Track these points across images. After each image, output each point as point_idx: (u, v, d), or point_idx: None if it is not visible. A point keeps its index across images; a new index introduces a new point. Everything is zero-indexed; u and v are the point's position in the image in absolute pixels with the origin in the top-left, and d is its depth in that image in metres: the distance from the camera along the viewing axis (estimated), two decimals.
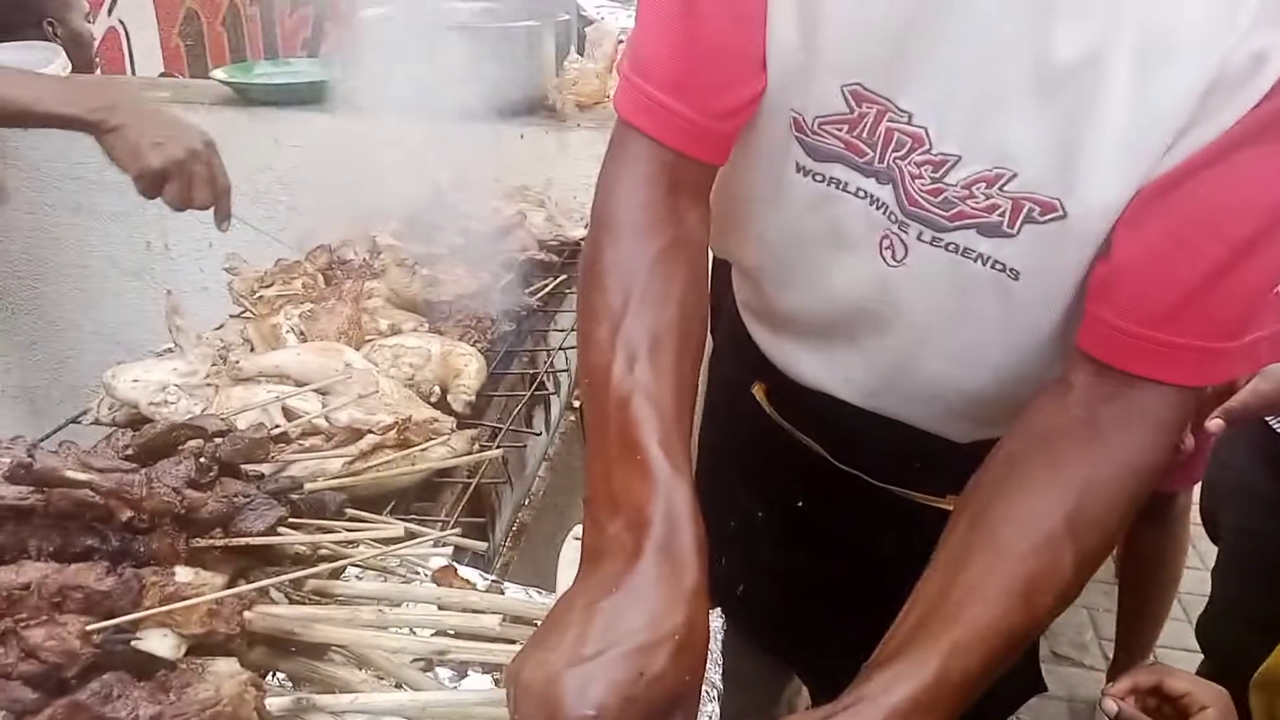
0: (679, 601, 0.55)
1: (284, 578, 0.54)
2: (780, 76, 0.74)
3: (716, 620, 0.70)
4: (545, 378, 1.12)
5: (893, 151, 0.71)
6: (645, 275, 0.71)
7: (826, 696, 0.91)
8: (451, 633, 0.63)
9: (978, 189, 0.68)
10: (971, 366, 0.79)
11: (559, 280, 1.23)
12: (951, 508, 0.72)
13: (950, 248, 0.72)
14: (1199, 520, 1.75)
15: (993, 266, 0.71)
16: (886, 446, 0.89)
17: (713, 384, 1.19)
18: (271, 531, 0.55)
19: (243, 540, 0.54)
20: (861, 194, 0.74)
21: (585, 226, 1.41)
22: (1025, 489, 0.64)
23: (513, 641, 0.63)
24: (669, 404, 0.64)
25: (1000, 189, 0.67)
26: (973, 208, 0.69)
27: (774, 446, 1.02)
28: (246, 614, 0.51)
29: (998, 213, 0.68)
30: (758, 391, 1.00)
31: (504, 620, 0.64)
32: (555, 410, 1.19)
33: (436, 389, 0.94)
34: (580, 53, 1.61)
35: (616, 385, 0.64)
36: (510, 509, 1.03)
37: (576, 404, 1.36)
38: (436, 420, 0.85)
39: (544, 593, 0.71)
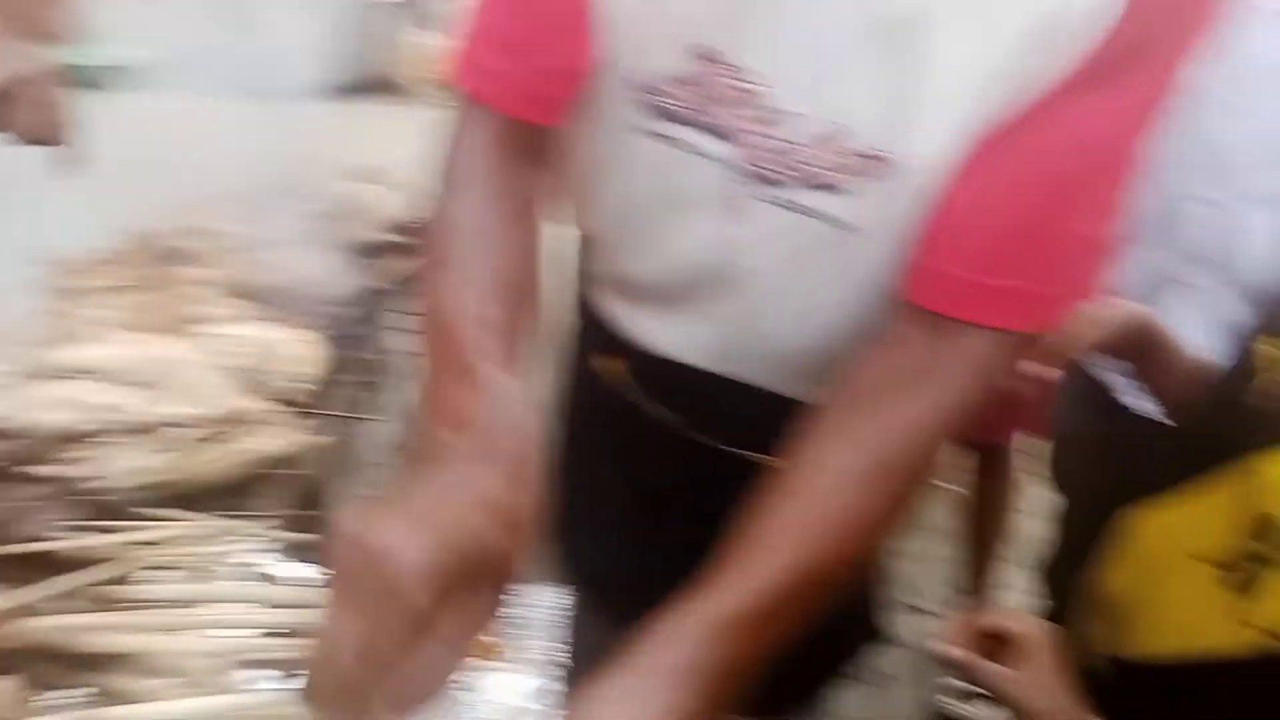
0: (499, 479, 0.54)
1: (60, 587, 0.51)
2: (621, 37, 0.75)
3: (563, 596, 0.70)
4: (392, 361, 1.09)
5: (733, 110, 0.72)
6: (483, 227, 0.72)
7: None
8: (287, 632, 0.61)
9: (816, 146, 0.69)
10: (816, 325, 0.81)
11: (406, 262, 1.20)
12: None
13: (790, 206, 0.73)
14: (1025, 467, 1.85)
15: (832, 223, 0.72)
16: (744, 413, 0.91)
17: (568, 367, 1.18)
18: (59, 535, 0.52)
19: (18, 548, 0.51)
20: (704, 153, 0.75)
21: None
22: (841, 435, 0.66)
23: None
24: (501, 331, 0.64)
25: (838, 145, 0.69)
26: (811, 165, 0.71)
27: (632, 425, 1.02)
28: (16, 626, 0.48)
29: (835, 170, 0.70)
30: (611, 364, 1.00)
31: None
32: (399, 398, 1.17)
33: (273, 378, 0.91)
34: (427, 29, 1.57)
35: (451, 317, 0.64)
36: (356, 498, 1.01)
37: None
38: (267, 411, 0.82)
39: None
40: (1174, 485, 0.81)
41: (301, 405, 0.91)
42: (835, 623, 0.93)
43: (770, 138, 0.71)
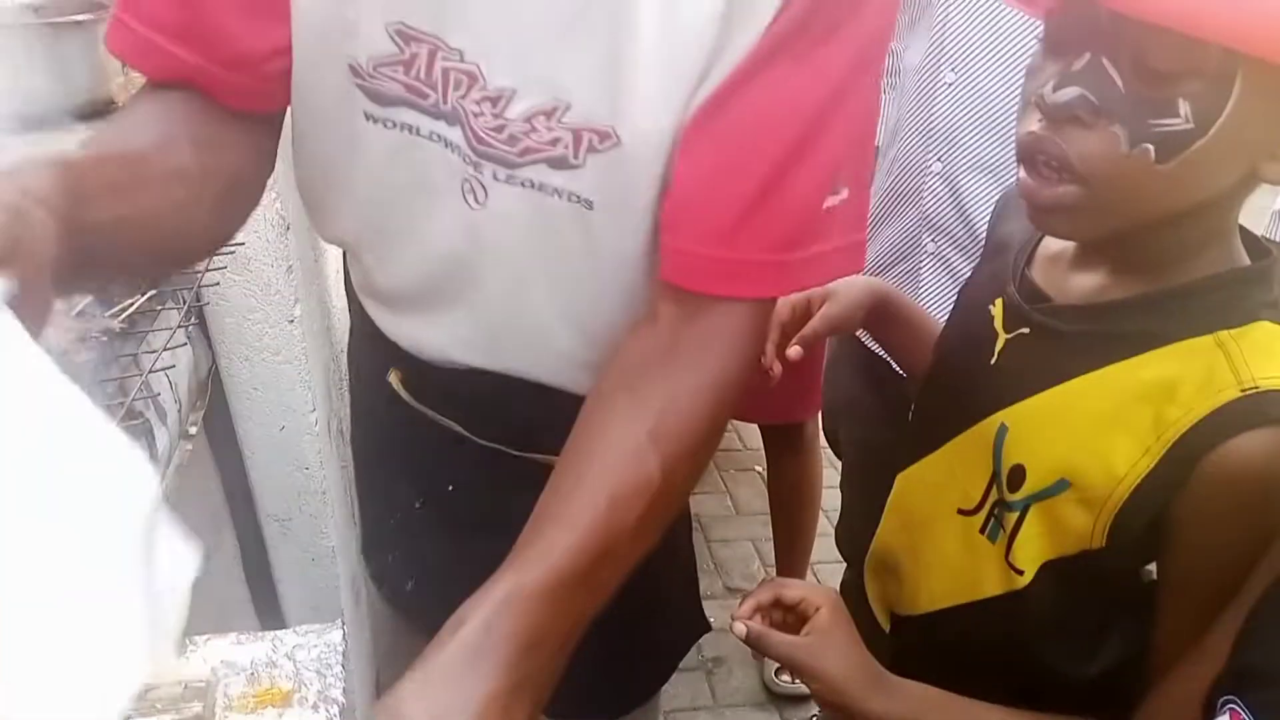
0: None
1: None
2: (324, 21, 0.70)
3: (336, 633, 0.66)
4: (142, 406, 1.00)
5: (453, 91, 0.70)
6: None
7: None
8: None
9: (538, 122, 0.69)
10: (569, 305, 0.80)
11: (147, 296, 1.11)
12: None
13: (525, 184, 0.73)
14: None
15: (568, 199, 0.72)
16: (523, 413, 0.89)
17: (352, 381, 1.13)
18: None
19: None
20: (435, 137, 0.73)
21: None
22: (610, 417, 0.67)
23: None
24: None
25: (559, 120, 0.68)
26: (537, 141, 0.70)
27: (418, 434, 1.00)
28: None
29: (561, 145, 0.69)
30: (394, 379, 0.96)
31: None
32: (162, 441, 1.08)
33: None
34: None
35: None
36: None
37: (193, 430, 1.24)
38: None
39: None
40: (931, 445, 0.87)
41: None
42: (658, 616, 0.95)
43: (497, 117, 0.69)
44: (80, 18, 1.42)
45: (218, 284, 1.29)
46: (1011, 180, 0.75)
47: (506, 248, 0.77)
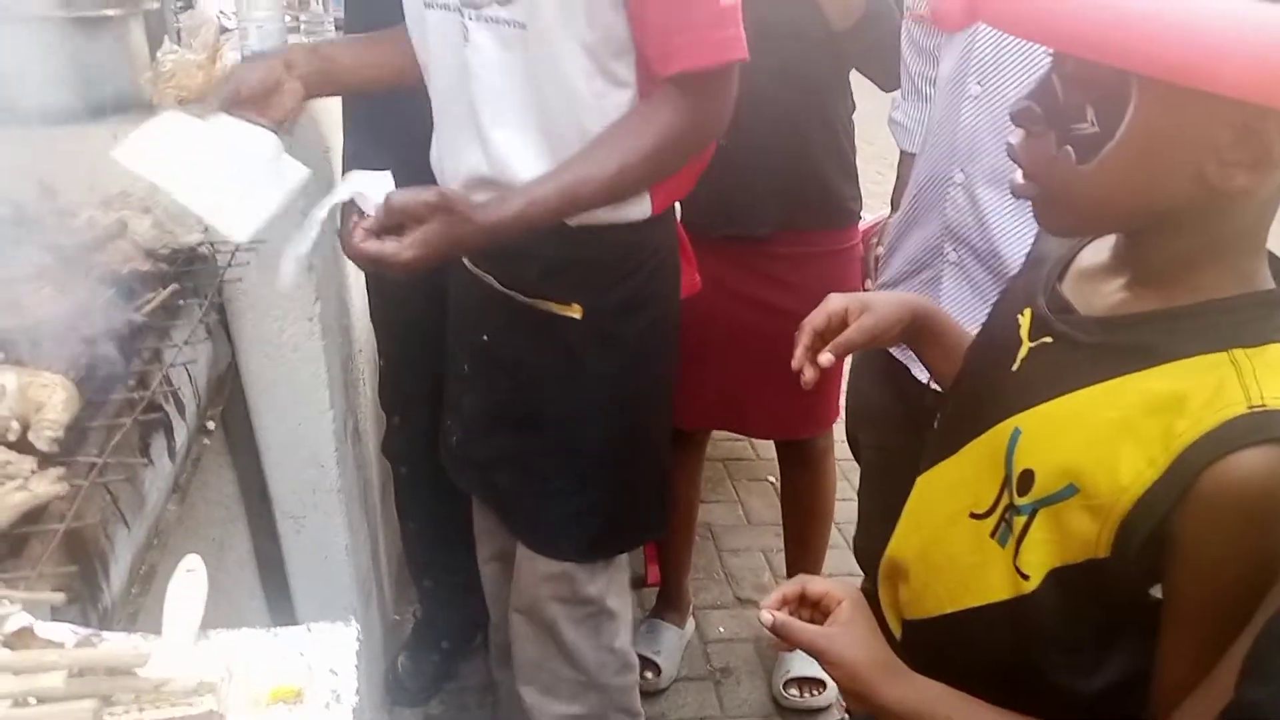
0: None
1: None
2: None
3: (349, 632, 0.66)
4: (161, 399, 1.01)
5: None
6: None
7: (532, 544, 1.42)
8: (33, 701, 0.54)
9: None
10: (532, 124, 1.15)
11: (170, 291, 1.11)
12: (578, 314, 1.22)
13: (487, 20, 1.09)
14: (845, 457, 1.93)
15: (510, 25, 1.09)
16: (531, 262, 1.22)
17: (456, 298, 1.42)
18: None
19: None
20: (446, 5, 1.14)
21: (201, 230, 1.30)
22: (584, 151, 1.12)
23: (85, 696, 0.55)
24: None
25: None
26: None
27: (470, 294, 1.32)
28: None
29: None
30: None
31: (71, 674, 0.56)
32: (180, 435, 1.08)
33: (15, 425, 0.82)
34: (177, 42, 1.46)
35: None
36: (131, 551, 0.92)
37: (210, 424, 1.25)
38: (8, 463, 0.74)
39: (149, 637, 0.64)
40: (951, 449, 0.86)
41: (58, 455, 0.82)
42: (626, 495, 1.40)
43: None
44: (110, 12, 1.44)
45: (240, 280, 1.29)
46: None
47: (485, 76, 1.13)
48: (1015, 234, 1.30)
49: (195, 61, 1.40)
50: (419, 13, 1.18)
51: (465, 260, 1.29)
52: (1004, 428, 0.78)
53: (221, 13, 1.74)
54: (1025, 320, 0.81)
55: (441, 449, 1.52)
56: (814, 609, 0.84)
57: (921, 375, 1.44)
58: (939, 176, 1.38)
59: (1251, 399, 0.64)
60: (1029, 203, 0.74)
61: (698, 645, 2.26)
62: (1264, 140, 0.60)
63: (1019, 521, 0.76)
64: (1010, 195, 0.77)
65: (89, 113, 1.34)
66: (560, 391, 1.29)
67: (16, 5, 1.37)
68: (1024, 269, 0.89)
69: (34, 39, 1.31)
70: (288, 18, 1.72)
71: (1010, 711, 0.76)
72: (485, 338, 1.33)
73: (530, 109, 1.14)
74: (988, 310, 0.93)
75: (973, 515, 0.82)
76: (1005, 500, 0.78)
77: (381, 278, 1.74)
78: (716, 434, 2.44)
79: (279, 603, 1.59)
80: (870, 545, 1.73)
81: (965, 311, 1.34)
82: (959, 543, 0.84)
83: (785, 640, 0.81)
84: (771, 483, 2.84)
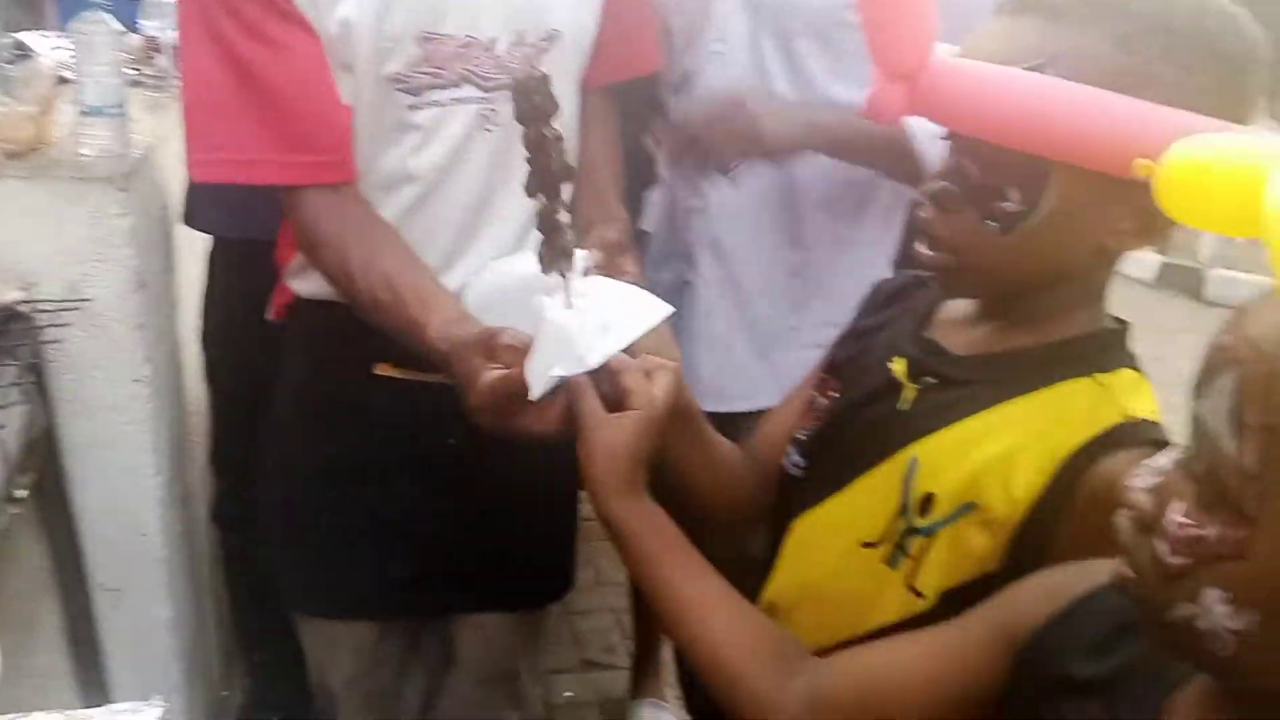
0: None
1: None
2: (362, 68, 1.08)
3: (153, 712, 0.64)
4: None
5: (462, 62, 1.10)
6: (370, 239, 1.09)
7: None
8: None
9: (515, 49, 1.13)
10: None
11: None
12: None
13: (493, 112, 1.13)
14: None
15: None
16: None
17: (296, 401, 1.30)
18: None
19: None
20: (462, 100, 1.12)
21: (19, 289, 1.24)
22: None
23: None
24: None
25: (530, 42, 1.13)
26: (514, 61, 1.13)
27: (398, 409, 1.21)
28: None
29: (524, 58, 1.13)
30: (383, 370, 1.17)
31: None
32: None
33: None
34: (7, 93, 1.41)
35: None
36: None
37: (21, 493, 1.18)
38: None
39: None
40: (833, 488, 0.91)
41: None
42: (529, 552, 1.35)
43: (492, 59, 1.11)
44: None
45: (60, 341, 1.24)
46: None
47: (512, 154, 1.00)
48: None
49: (25, 113, 1.34)
50: (400, 122, 1.10)
51: (383, 372, 1.18)
52: (900, 459, 0.85)
53: (60, 65, 1.68)
54: (900, 367, 0.89)
55: (335, 593, 1.34)
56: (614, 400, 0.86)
57: None
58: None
59: (1126, 412, 0.76)
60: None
61: (542, 712, 2.23)
62: (1152, 214, 0.69)
63: (917, 544, 0.82)
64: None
65: None
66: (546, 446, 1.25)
67: None
68: (861, 332, 0.99)
69: None
70: (131, 71, 1.68)
71: (724, 584, 0.82)
72: (451, 441, 1.21)
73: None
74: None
75: (864, 545, 0.87)
76: (901, 525, 0.84)
77: (226, 331, 1.70)
78: None
79: (92, 680, 1.50)
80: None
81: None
82: (850, 572, 0.89)
83: (571, 394, 0.85)
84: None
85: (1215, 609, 0.49)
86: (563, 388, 0.85)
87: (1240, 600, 0.48)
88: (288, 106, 0.94)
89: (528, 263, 0.93)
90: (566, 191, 0.90)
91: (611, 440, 0.83)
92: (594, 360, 0.84)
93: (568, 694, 2.29)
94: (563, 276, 0.88)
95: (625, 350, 0.87)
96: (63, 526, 1.40)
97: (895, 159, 1.28)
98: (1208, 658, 0.50)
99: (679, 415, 0.96)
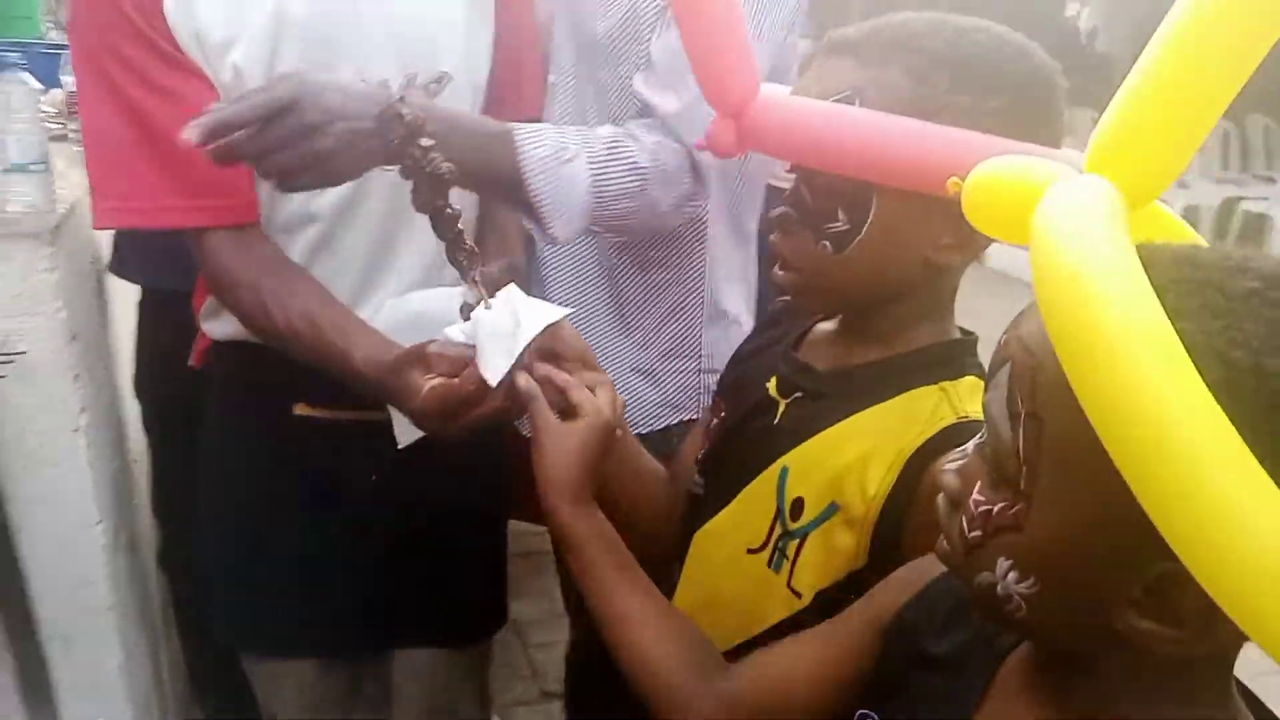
0: None
1: None
2: None
3: None
4: None
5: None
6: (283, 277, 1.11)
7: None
8: None
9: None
10: None
11: None
12: None
13: None
14: None
15: None
16: None
17: (222, 442, 1.34)
18: None
19: None
20: None
21: None
22: None
23: None
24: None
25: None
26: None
27: (319, 448, 1.23)
28: None
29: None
30: (301, 410, 1.20)
31: None
32: None
33: None
34: None
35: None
36: None
37: None
38: None
39: None
40: (724, 501, 0.98)
41: None
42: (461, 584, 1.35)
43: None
44: None
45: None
46: None
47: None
48: None
49: None
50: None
51: (302, 412, 1.22)
52: (774, 469, 0.93)
53: None
54: (773, 385, 0.97)
55: (272, 631, 1.38)
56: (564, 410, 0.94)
57: None
58: None
59: (959, 412, 0.83)
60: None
61: None
62: (969, 229, 0.77)
63: (792, 545, 0.90)
64: None
65: None
66: (476, 482, 1.33)
67: None
68: (734, 364, 1.09)
69: None
70: (55, 125, 1.72)
71: (654, 594, 0.89)
72: (374, 477, 1.25)
73: None
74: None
75: (749, 551, 0.94)
76: (778, 530, 0.91)
77: (157, 379, 1.72)
78: (525, 526, 2.48)
79: None
80: None
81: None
82: (739, 577, 0.96)
83: (521, 406, 0.92)
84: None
85: (1007, 576, 0.55)
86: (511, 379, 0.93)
87: (1023, 567, 0.54)
88: (186, 152, 0.90)
89: (426, 299, 0.99)
90: (454, 196, 0.94)
91: (565, 446, 0.90)
92: (533, 329, 0.93)
93: None
94: (475, 278, 0.95)
95: (551, 356, 0.96)
96: (10, 578, 1.42)
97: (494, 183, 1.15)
98: (1009, 620, 0.57)
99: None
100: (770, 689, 0.80)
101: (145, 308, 1.75)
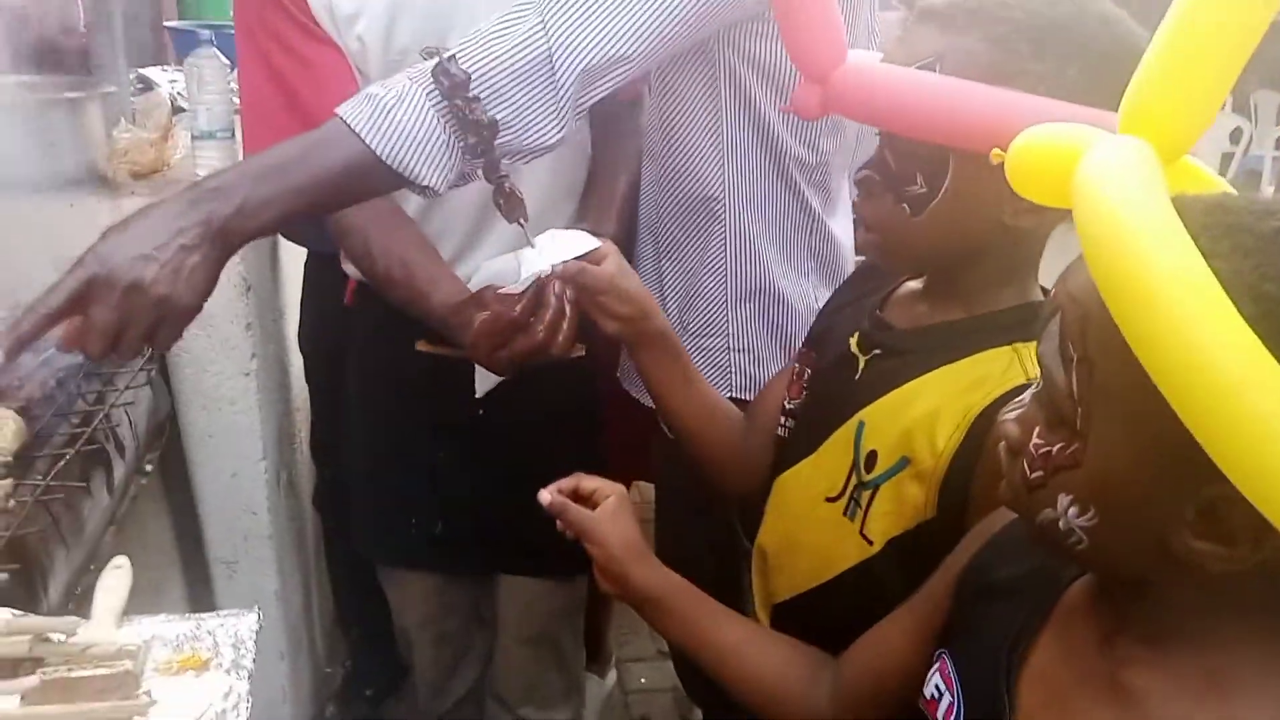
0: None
1: None
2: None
3: (251, 616, 0.77)
4: (101, 436, 1.13)
5: None
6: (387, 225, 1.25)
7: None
8: None
9: None
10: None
11: None
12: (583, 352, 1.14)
13: None
14: None
15: None
16: None
17: (362, 373, 1.50)
18: None
19: None
20: None
21: None
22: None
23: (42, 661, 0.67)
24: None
25: None
26: None
27: (435, 382, 1.33)
28: None
29: None
30: (423, 346, 1.29)
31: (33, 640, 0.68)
32: (119, 471, 1.19)
33: None
34: (132, 122, 1.61)
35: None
36: (69, 571, 1.03)
37: (148, 467, 1.36)
38: None
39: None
40: (808, 450, 1.03)
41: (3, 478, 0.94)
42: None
43: None
44: (71, 95, 1.58)
45: (179, 338, 1.41)
46: None
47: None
48: None
49: (148, 139, 1.54)
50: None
51: (423, 348, 1.29)
52: (852, 422, 0.97)
53: (178, 94, 1.89)
54: (855, 341, 1.01)
55: (396, 542, 1.55)
56: (586, 501, 1.00)
57: None
58: None
59: (1029, 374, 0.83)
60: None
61: (619, 696, 2.35)
62: None
63: (865, 495, 0.94)
64: None
65: (45, 184, 1.47)
66: (568, 430, 1.45)
67: None
68: (830, 311, 1.11)
69: (4, 119, 1.44)
70: (235, 100, 1.88)
71: (748, 621, 0.93)
72: (481, 411, 1.36)
73: None
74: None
75: (828, 499, 0.98)
76: (854, 481, 0.95)
77: (316, 331, 1.88)
78: (643, 489, 2.55)
79: None
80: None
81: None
82: (817, 524, 1.00)
83: (560, 519, 0.98)
84: None
85: (1068, 511, 0.58)
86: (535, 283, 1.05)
87: (1082, 501, 0.57)
88: (321, 115, 0.96)
89: (515, 258, 1.10)
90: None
91: (612, 523, 0.97)
92: (560, 254, 1.05)
93: (643, 681, 2.41)
94: (520, 224, 1.05)
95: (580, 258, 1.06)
96: (184, 503, 1.58)
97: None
98: (1071, 553, 0.60)
99: (666, 346, 1.13)
100: (872, 669, 0.84)
101: (310, 268, 1.90)
